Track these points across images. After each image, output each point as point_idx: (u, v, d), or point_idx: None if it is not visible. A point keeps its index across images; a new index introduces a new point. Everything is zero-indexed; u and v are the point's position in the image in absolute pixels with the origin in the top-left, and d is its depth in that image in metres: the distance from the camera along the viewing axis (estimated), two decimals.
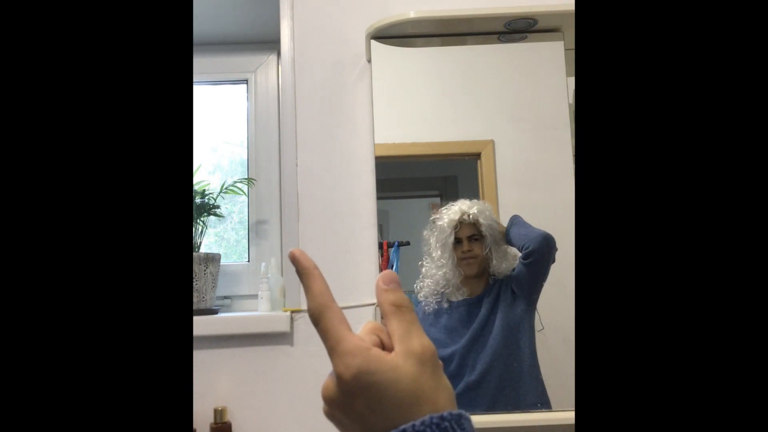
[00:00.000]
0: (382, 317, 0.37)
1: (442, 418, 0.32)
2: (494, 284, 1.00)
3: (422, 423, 0.32)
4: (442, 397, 0.34)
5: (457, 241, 1.01)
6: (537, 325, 0.98)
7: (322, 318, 0.36)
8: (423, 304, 1.02)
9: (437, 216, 1.02)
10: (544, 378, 0.97)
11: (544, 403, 0.96)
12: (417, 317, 0.36)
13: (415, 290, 1.02)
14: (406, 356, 0.34)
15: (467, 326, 1.00)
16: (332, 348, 0.35)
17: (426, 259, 1.02)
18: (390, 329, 0.36)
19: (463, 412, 0.33)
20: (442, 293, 1.01)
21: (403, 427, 0.32)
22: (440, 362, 0.36)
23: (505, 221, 1.02)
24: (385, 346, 0.36)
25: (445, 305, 1.01)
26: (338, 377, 0.34)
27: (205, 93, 1.37)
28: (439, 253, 1.01)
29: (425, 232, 1.03)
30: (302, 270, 0.38)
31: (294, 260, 0.38)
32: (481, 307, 1.00)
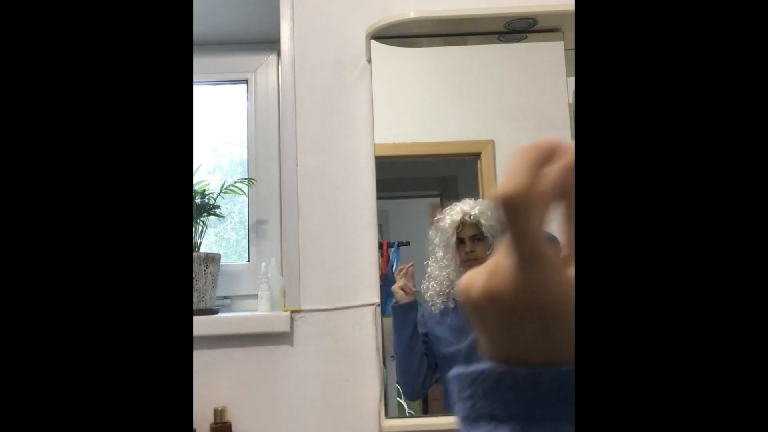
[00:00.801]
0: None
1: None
2: None
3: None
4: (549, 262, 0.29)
5: (461, 241, 1.01)
6: None
7: (535, 208, 0.27)
8: (429, 303, 1.02)
9: (440, 216, 1.02)
10: None
11: None
12: (528, 157, 0.28)
13: (422, 290, 1.03)
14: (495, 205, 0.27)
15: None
16: (539, 249, 0.27)
17: (431, 259, 1.02)
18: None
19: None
20: (448, 293, 1.01)
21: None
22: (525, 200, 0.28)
23: None
24: None
25: (451, 305, 1.01)
26: (529, 287, 0.28)
27: (205, 93, 1.37)
28: (441, 253, 1.01)
29: (430, 233, 1.03)
30: (543, 151, 0.28)
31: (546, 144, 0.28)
32: None
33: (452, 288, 1.01)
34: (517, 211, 0.26)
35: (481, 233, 1.01)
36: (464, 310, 0.30)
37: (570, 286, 0.28)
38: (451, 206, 1.02)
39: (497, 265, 0.28)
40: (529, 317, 0.28)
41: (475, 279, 0.29)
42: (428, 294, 1.02)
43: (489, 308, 0.28)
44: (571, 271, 0.28)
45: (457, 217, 1.01)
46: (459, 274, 1.01)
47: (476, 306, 0.29)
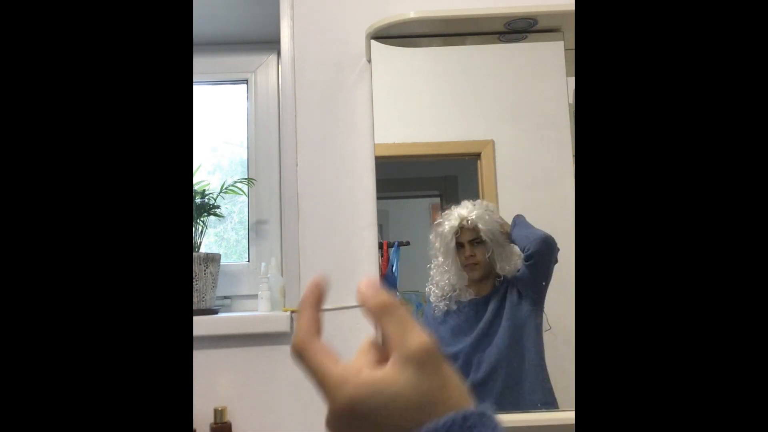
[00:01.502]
0: (374, 323, 0.35)
1: (465, 418, 0.30)
2: (501, 284, 1.01)
3: (444, 423, 0.30)
4: (453, 395, 0.32)
5: (460, 245, 1.01)
6: (544, 326, 0.98)
7: (304, 354, 0.34)
8: (433, 306, 1.02)
9: (439, 221, 1.03)
10: (551, 378, 0.97)
11: (548, 403, 0.96)
12: (410, 312, 0.33)
13: (426, 293, 1.03)
14: (404, 364, 0.31)
15: (474, 326, 1.00)
16: (319, 384, 0.33)
17: (433, 263, 1.03)
18: (384, 334, 0.33)
19: (486, 409, 0.31)
20: (450, 297, 1.02)
21: (426, 427, 0.30)
22: (443, 356, 0.32)
23: (506, 221, 1.02)
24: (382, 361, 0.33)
25: (454, 306, 1.02)
26: (333, 413, 0.32)
27: (205, 93, 1.37)
28: (442, 259, 1.02)
29: (431, 237, 1.03)
30: (303, 298, 0.37)
31: (312, 287, 0.37)
32: (487, 306, 1.00)
33: (454, 291, 1.01)
34: (295, 358, 0.35)
35: (480, 237, 1.01)
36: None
37: (375, 384, 0.31)
38: (449, 211, 1.02)
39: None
40: (359, 427, 0.32)
41: None
42: (431, 297, 1.03)
43: None
44: (368, 375, 0.32)
45: (455, 222, 1.01)
46: (460, 277, 1.01)
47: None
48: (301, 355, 0.34)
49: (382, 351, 0.34)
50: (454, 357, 0.99)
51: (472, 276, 1.01)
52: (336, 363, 0.33)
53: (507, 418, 0.94)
